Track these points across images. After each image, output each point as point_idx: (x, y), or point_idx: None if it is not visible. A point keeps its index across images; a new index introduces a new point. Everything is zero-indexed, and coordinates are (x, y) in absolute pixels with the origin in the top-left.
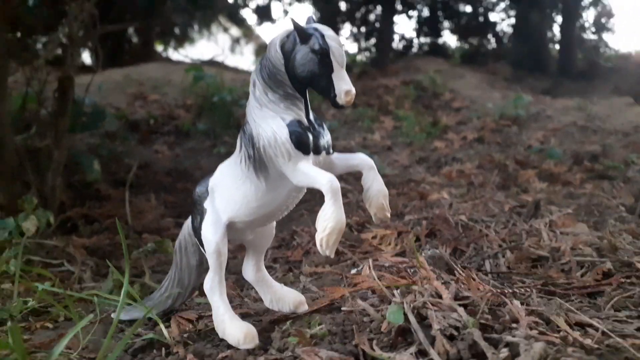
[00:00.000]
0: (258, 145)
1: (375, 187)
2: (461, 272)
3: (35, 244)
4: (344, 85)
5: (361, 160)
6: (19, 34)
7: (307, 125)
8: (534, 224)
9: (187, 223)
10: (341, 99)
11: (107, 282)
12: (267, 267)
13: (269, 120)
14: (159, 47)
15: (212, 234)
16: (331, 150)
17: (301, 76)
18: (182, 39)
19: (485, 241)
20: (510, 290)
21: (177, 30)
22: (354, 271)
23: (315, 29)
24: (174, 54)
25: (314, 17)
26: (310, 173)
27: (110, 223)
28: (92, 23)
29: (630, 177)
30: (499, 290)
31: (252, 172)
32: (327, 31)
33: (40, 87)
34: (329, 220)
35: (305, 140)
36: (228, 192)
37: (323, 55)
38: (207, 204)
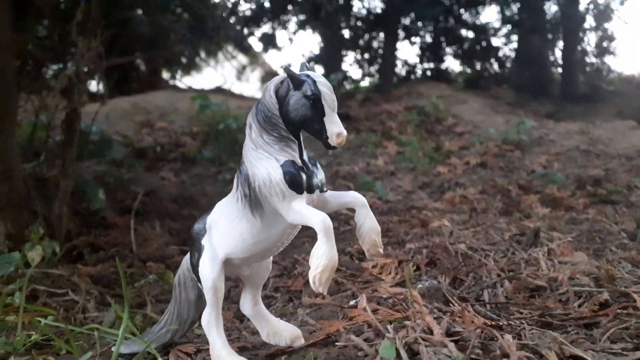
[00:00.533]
0: (254, 185)
1: (367, 224)
2: (456, 304)
3: (40, 273)
4: (335, 128)
5: (354, 197)
6: (28, 66)
7: (301, 165)
8: (533, 252)
9: (186, 259)
10: (333, 140)
11: (109, 315)
12: (269, 297)
13: (263, 162)
14: (166, 75)
15: (209, 271)
16: (325, 189)
17: (294, 120)
18: (189, 67)
19: (484, 270)
20: (506, 322)
21: (183, 59)
22: (352, 302)
23: (308, 76)
24: (181, 82)
25: (307, 65)
26: (303, 212)
27: (115, 251)
28: (98, 57)
29: (634, 202)
30: (492, 323)
31: (248, 210)
32: (318, 78)
33: (49, 117)
34: (322, 258)
35: (298, 180)
36: (225, 230)
37: (315, 100)
38: (204, 241)
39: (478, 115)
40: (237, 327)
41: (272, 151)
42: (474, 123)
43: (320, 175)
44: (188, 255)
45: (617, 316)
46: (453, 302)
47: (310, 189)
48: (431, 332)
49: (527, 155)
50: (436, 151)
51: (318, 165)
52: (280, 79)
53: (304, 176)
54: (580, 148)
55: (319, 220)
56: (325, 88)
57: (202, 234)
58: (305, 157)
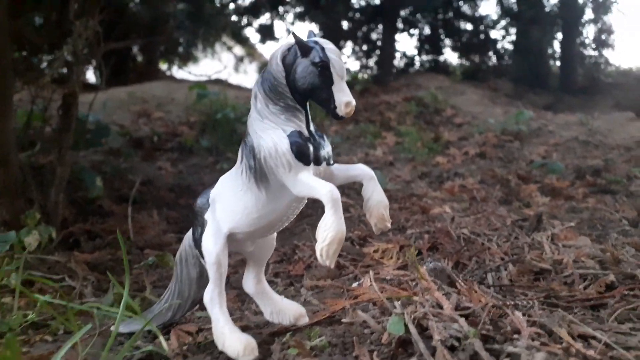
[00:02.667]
0: (259, 157)
1: (375, 197)
2: (462, 284)
3: (37, 260)
4: (343, 97)
5: (361, 170)
6: (24, 53)
7: (308, 136)
8: (536, 237)
9: (188, 235)
10: (341, 110)
11: (107, 296)
12: (269, 282)
13: (269, 132)
14: (164, 66)
15: (212, 245)
16: (332, 161)
17: (302, 88)
18: (186, 58)
19: (487, 254)
20: (512, 303)
21: (180, 49)
22: (355, 284)
23: (316, 42)
24: (178, 73)
25: (314, 32)
26: (310, 183)
27: (112, 239)
28: (96, 41)
29: (633, 192)
30: (500, 302)
31: (253, 183)
32: (327, 44)
33: (45, 104)
34: (329, 230)
35: (305, 151)
36: (229, 203)
37: (323, 67)
38: (208, 215)
39: (477, 107)
40: (239, 307)
41: (279, 121)
42: (473, 114)
43: (327, 148)
44: (190, 231)
45: (624, 297)
46: (459, 282)
47: (317, 161)
48: (440, 308)
49: (526, 146)
50: (435, 142)
51: (325, 137)
52: (287, 45)
53: (311, 147)
54: (579, 139)
55: (326, 192)
56: (334, 55)
57: (205, 208)
58: (312, 128)
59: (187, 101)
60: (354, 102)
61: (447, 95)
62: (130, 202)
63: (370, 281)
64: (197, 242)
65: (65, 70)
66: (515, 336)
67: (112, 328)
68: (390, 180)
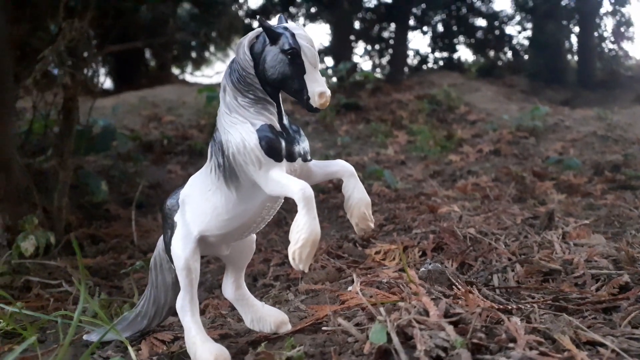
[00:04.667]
0: (227, 153)
1: (356, 195)
2: (460, 287)
3: (37, 265)
4: (317, 87)
5: (341, 167)
6: (26, 56)
7: (280, 130)
8: (547, 235)
9: (161, 239)
10: (315, 101)
11: (79, 305)
12: (267, 285)
13: (237, 127)
14: (176, 71)
15: (182, 250)
16: (309, 157)
17: (272, 79)
18: (199, 62)
19: (494, 255)
20: (515, 306)
21: (193, 54)
22: (350, 288)
23: (285, 28)
24: (190, 77)
25: (285, 17)
26: (282, 181)
27: (115, 243)
28: (96, 43)
29: None
30: (500, 307)
31: (222, 182)
32: (297, 30)
33: (47, 110)
34: (302, 231)
35: (276, 146)
36: (198, 204)
37: (294, 55)
38: (177, 217)
39: (491, 104)
40: (221, 314)
41: (247, 115)
42: (487, 111)
43: (303, 143)
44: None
45: (639, 300)
46: (457, 285)
47: (291, 157)
48: (427, 314)
49: (542, 142)
50: (448, 140)
51: (301, 131)
52: (255, 33)
53: (283, 142)
54: (598, 134)
55: (298, 189)
56: (305, 42)
57: (175, 210)
58: (285, 121)
59: (197, 104)
60: (328, 93)
61: (461, 92)
62: (134, 206)
63: (357, 286)
64: (167, 245)
65: (59, 72)
66: (511, 345)
67: (84, 337)
68: (401, 180)
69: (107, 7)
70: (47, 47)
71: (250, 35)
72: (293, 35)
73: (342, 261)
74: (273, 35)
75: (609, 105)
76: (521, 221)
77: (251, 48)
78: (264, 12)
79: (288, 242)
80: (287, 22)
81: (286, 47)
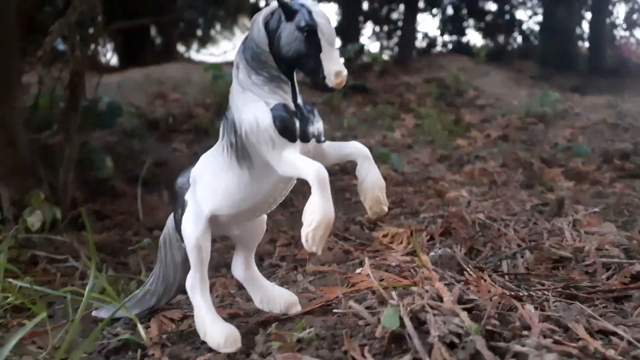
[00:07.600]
0: (240, 132)
1: (370, 178)
2: (472, 273)
3: (44, 240)
4: (333, 66)
5: (355, 149)
6: (34, 32)
7: (294, 110)
8: (557, 222)
9: (171, 217)
10: (331, 80)
11: (90, 281)
12: (274, 265)
13: (251, 105)
14: (181, 49)
15: (192, 229)
16: (322, 138)
17: (287, 57)
18: (205, 40)
19: (503, 241)
20: (526, 293)
21: (199, 32)
22: (359, 270)
23: (302, 5)
24: (196, 55)
25: None
26: (295, 162)
27: (121, 219)
28: (102, 19)
29: None
30: (512, 293)
31: (234, 161)
32: (314, 7)
33: (54, 85)
34: (316, 213)
35: (290, 126)
36: (209, 183)
37: (310, 33)
38: (188, 196)
39: (500, 89)
40: (230, 293)
41: (261, 93)
42: (496, 96)
43: (317, 123)
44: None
45: None
46: (468, 270)
47: (305, 137)
48: (441, 300)
49: (551, 129)
50: (456, 124)
51: (316, 112)
52: (270, 9)
53: (297, 122)
54: (608, 121)
55: (312, 171)
56: (323, 19)
57: (186, 189)
58: (299, 100)
59: (203, 83)
60: (345, 72)
61: (469, 76)
62: (140, 183)
63: (367, 269)
64: (178, 224)
65: (66, 46)
66: (525, 333)
67: (93, 313)
68: (408, 164)
69: None
70: (53, 22)
71: (265, 11)
72: (310, 12)
73: (349, 243)
74: (289, 12)
75: (620, 93)
76: (530, 208)
77: (266, 25)
78: None
79: (294, 223)
80: None
81: (302, 24)
